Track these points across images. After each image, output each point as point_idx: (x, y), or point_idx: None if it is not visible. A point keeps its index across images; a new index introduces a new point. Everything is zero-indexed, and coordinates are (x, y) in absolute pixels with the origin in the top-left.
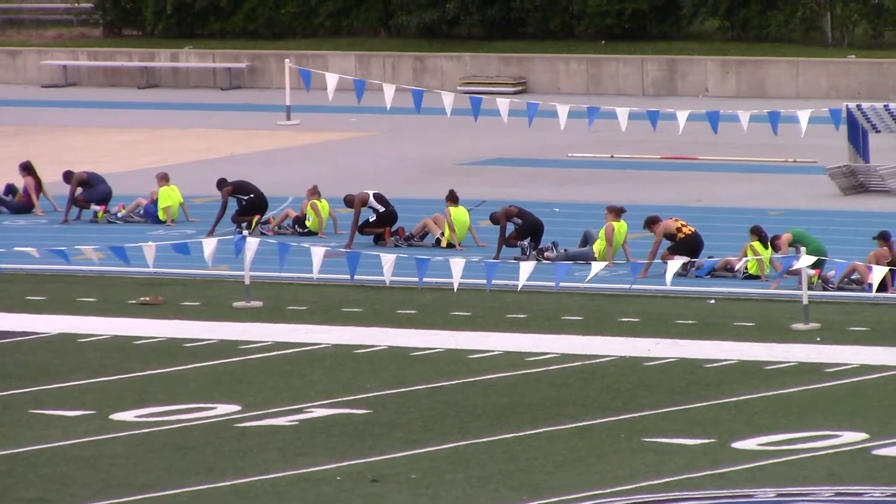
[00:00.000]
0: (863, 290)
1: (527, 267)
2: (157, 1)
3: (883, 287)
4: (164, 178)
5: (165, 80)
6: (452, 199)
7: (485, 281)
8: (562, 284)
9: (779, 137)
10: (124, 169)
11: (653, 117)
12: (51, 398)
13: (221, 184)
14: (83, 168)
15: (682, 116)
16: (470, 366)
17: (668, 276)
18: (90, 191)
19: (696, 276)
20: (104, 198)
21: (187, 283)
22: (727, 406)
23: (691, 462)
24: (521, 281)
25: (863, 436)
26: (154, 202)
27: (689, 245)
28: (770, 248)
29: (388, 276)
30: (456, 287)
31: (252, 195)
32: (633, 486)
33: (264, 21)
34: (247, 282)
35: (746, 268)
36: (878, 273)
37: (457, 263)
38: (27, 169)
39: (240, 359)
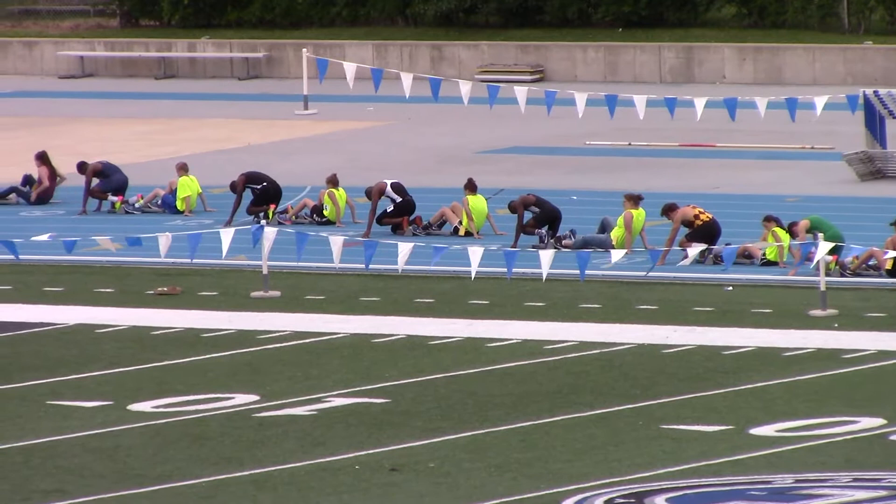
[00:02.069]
0: (880, 275)
1: (547, 256)
2: None
3: None
4: (182, 168)
5: (182, 71)
6: (471, 187)
7: (502, 269)
8: (577, 273)
9: (796, 124)
10: (141, 159)
11: (670, 105)
12: (68, 389)
13: (234, 186)
14: (99, 159)
15: (699, 104)
16: (488, 354)
17: (688, 262)
18: (106, 181)
19: (721, 267)
20: (120, 187)
21: (205, 273)
22: (745, 393)
23: (709, 449)
24: (545, 270)
25: (880, 421)
26: (172, 192)
27: (706, 232)
28: (788, 234)
29: (401, 264)
30: (473, 275)
31: (265, 183)
32: (652, 472)
33: (281, 11)
34: (265, 271)
35: (765, 254)
36: (893, 257)
37: (475, 252)
38: (42, 158)
39: (258, 348)
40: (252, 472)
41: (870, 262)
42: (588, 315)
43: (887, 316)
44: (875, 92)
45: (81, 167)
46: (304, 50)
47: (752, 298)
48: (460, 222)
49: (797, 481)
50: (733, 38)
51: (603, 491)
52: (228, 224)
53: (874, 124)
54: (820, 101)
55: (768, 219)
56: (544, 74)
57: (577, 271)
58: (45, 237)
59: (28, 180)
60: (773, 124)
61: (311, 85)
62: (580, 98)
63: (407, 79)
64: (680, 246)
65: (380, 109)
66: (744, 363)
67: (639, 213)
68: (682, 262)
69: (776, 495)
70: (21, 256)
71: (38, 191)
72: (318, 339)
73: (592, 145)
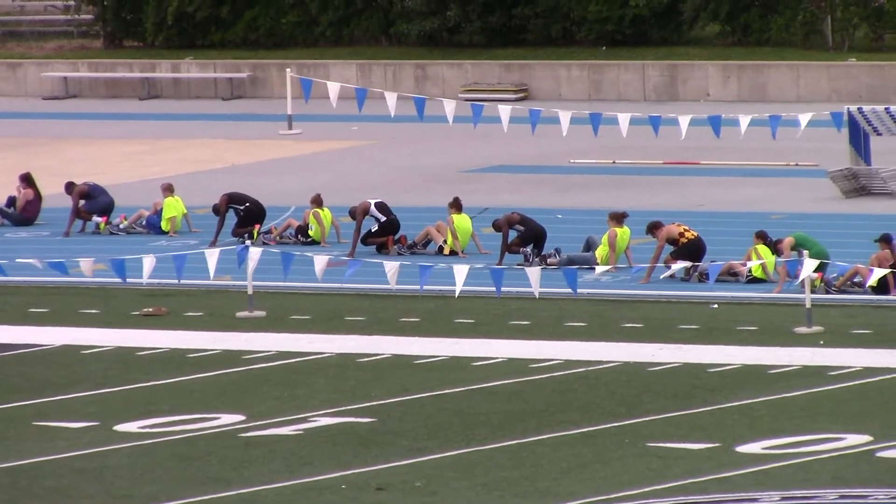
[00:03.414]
0: (865, 292)
1: (535, 274)
2: (158, 12)
3: (885, 289)
4: (168, 189)
5: (166, 91)
6: (456, 206)
7: (488, 288)
8: (566, 290)
9: (780, 141)
10: (126, 180)
11: (654, 123)
12: (54, 410)
13: (216, 208)
14: (84, 180)
15: (683, 121)
16: (474, 373)
17: (667, 275)
18: (92, 203)
19: (703, 282)
20: (106, 209)
21: (190, 293)
22: (731, 410)
23: (696, 466)
24: (536, 288)
25: (867, 438)
26: (157, 213)
27: (691, 250)
28: (773, 252)
29: (393, 282)
30: (458, 293)
31: (248, 203)
32: (638, 490)
33: (265, 31)
34: (250, 291)
35: (750, 271)
36: (877, 274)
37: (460, 270)
38: (27, 180)
39: (243, 368)
40: (239, 491)
41: (855, 279)
42: (574, 333)
43: (873, 332)
44: (859, 109)
45: (69, 188)
46: (288, 70)
47: (737, 316)
48: (445, 241)
49: (784, 498)
50: (717, 55)
51: None
52: (213, 245)
53: (858, 141)
54: (804, 119)
55: (759, 235)
56: (528, 93)
57: (563, 289)
58: (31, 260)
59: (12, 202)
60: (758, 141)
61: (296, 105)
62: (564, 116)
63: (391, 98)
64: (665, 264)
65: (364, 129)
66: (730, 381)
67: (623, 232)
68: (664, 276)
69: None
70: (5, 277)
71: (21, 206)
72: (303, 359)
73: (577, 164)
